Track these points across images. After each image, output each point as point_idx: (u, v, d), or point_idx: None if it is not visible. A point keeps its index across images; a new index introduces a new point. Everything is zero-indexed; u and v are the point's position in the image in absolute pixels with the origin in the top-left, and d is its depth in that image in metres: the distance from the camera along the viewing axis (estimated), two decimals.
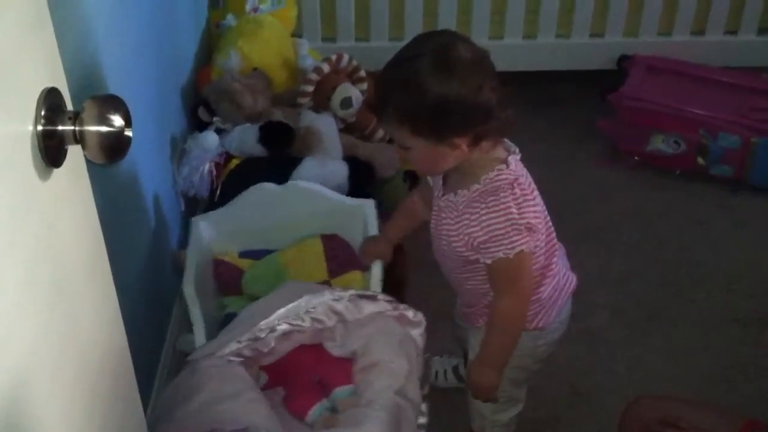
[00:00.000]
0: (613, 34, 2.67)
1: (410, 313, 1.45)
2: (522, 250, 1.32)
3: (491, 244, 1.31)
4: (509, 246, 1.31)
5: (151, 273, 1.73)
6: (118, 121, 0.79)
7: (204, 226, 1.74)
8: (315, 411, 1.38)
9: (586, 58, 2.69)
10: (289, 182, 1.79)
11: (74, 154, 0.82)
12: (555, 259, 1.44)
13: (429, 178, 1.46)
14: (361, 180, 2.00)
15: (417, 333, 1.46)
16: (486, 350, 1.44)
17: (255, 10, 2.31)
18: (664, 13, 2.63)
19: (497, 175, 1.31)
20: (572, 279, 1.50)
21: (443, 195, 1.39)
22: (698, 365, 1.95)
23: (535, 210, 1.33)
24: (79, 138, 0.78)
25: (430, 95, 1.23)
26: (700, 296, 2.12)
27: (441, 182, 1.41)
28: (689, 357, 1.97)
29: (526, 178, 1.35)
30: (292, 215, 1.78)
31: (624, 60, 2.64)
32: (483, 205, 1.31)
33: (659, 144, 2.43)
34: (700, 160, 2.41)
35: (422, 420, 1.39)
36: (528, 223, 1.31)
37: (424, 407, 1.40)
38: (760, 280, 2.16)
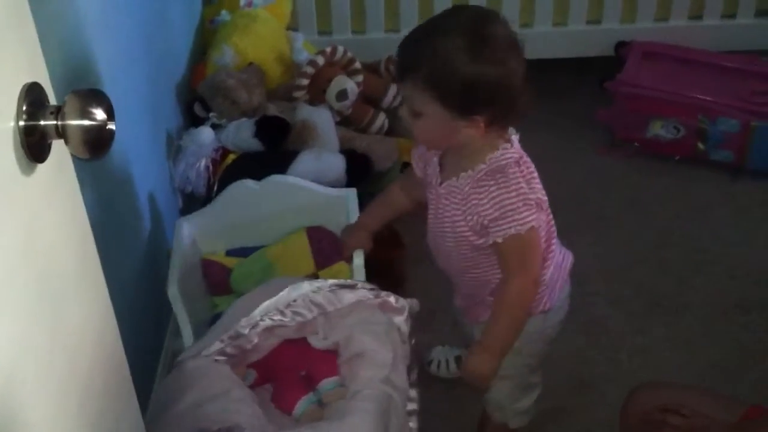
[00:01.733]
0: (610, 21, 2.65)
1: (392, 300, 1.43)
2: (533, 226, 1.31)
3: (502, 221, 1.30)
4: (521, 222, 1.30)
5: (148, 271, 1.73)
6: (100, 114, 0.78)
7: (187, 227, 1.73)
8: (301, 405, 1.38)
9: (583, 46, 2.68)
10: (268, 177, 1.78)
11: (58, 149, 0.81)
12: (554, 240, 1.43)
13: (418, 170, 1.46)
14: (359, 172, 2.00)
15: (401, 319, 1.43)
16: (490, 335, 1.38)
17: (249, 4, 2.30)
18: None
19: (503, 154, 1.31)
20: (568, 255, 1.50)
21: (442, 182, 1.38)
22: (701, 353, 1.93)
23: (541, 188, 1.34)
24: (62, 132, 0.77)
25: (466, 69, 1.22)
26: (702, 283, 2.11)
27: (438, 170, 1.40)
28: (692, 345, 1.95)
29: (527, 158, 1.36)
30: (276, 210, 1.77)
31: (621, 46, 2.63)
32: (492, 182, 1.31)
33: (658, 130, 2.42)
34: (700, 146, 2.39)
35: (412, 406, 1.37)
36: (538, 198, 1.32)
37: (413, 393, 1.38)
38: (761, 267, 2.15)
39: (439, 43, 1.24)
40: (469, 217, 1.34)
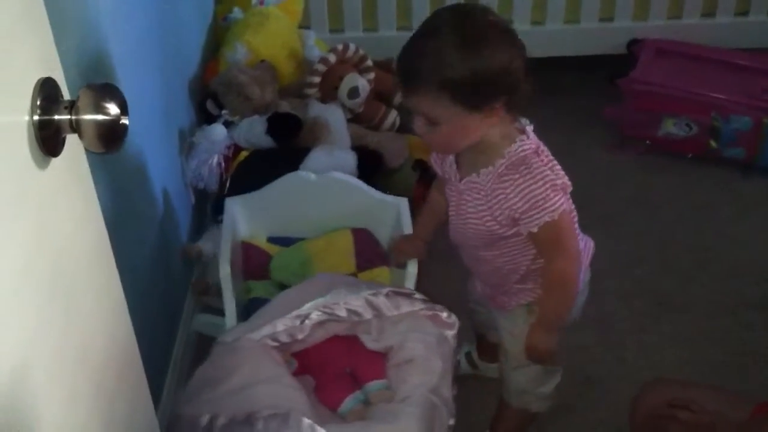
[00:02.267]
0: (622, 19, 2.65)
1: (444, 314, 1.46)
2: (564, 209, 1.33)
3: (533, 211, 1.31)
4: (552, 209, 1.31)
5: (161, 265, 1.74)
6: (113, 109, 0.79)
7: (237, 208, 1.75)
8: (349, 402, 1.39)
9: (595, 43, 2.67)
10: (326, 173, 1.80)
11: (73, 143, 0.82)
12: (575, 225, 1.44)
13: (437, 167, 1.46)
14: (370, 169, 2.00)
15: (451, 334, 1.46)
16: (544, 314, 1.43)
17: (261, 2, 2.31)
18: None
19: (520, 146, 1.32)
20: (589, 242, 1.51)
21: (462, 179, 1.39)
22: (708, 351, 1.93)
23: (564, 173, 1.35)
24: (76, 127, 0.78)
25: (469, 62, 1.23)
26: (709, 282, 2.10)
27: (455, 167, 1.41)
28: (698, 343, 1.95)
29: (544, 146, 1.37)
30: (325, 206, 1.79)
31: (634, 44, 2.62)
32: (517, 175, 1.31)
33: (670, 127, 2.42)
34: (712, 143, 2.39)
35: (451, 421, 1.38)
36: (563, 183, 1.34)
37: (453, 407, 1.40)
38: None
39: (435, 45, 1.25)
40: (497, 213, 1.35)
